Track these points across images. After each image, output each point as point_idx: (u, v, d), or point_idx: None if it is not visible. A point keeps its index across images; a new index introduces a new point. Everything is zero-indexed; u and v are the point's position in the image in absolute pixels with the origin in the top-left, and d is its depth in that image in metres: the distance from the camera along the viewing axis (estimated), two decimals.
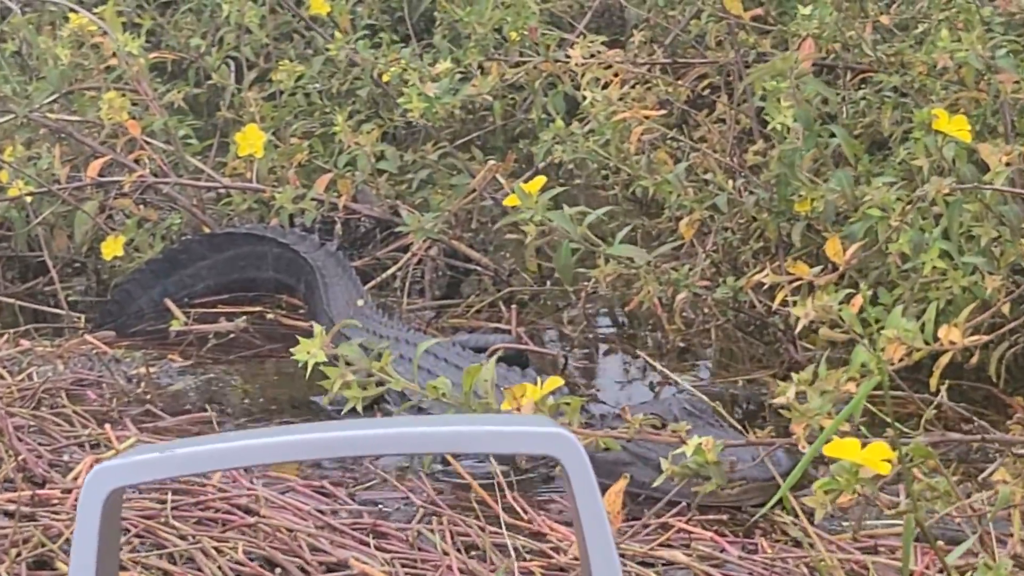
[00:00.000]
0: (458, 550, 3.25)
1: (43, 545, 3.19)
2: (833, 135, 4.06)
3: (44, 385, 4.07)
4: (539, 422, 1.70)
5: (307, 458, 1.62)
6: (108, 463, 1.61)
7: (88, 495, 1.59)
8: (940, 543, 3.17)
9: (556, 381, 3.26)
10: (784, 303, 3.57)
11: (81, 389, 4.17)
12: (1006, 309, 3.54)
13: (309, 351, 3.05)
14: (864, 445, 2.66)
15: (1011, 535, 3.15)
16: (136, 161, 4.98)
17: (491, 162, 4.86)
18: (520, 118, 5.29)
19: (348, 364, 3.07)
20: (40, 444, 3.69)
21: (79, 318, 4.74)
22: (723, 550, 3.27)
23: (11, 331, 4.57)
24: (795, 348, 4.09)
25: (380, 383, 3.17)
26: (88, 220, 4.88)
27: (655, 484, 3.33)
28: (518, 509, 3.44)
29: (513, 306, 4.65)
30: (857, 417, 2.83)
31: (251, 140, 4.73)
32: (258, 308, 4.84)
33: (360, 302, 4.55)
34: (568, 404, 3.30)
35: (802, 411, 2.92)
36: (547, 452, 1.64)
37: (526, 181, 4.23)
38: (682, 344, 4.44)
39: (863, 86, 4.59)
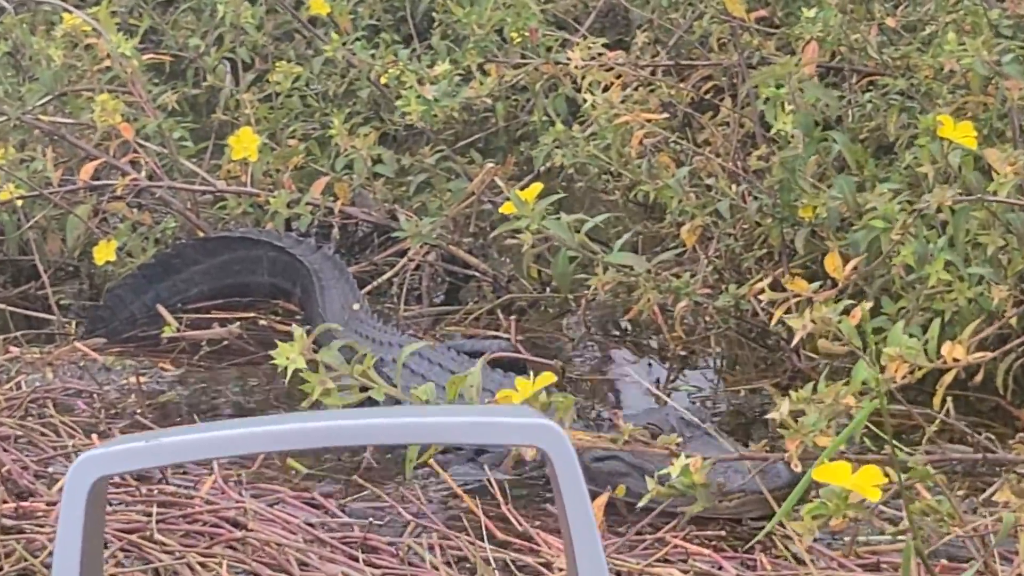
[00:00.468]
0: (448, 563, 3.19)
1: (25, 560, 3.13)
2: (836, 140, 3.98)
3: (32, 395, 4.01)
4: (524, 413, 1.68)
5: (290, 448, 1.61)
6: (93, 451, 1.60)
7: (73, 484, 1.58)
8: (944, 561, 3.12)
9: (549, 377, 3.15)
10: (785, 314, 3.48)
11: (70, 399, 4.10)
12: (1014, 321, 3.46)
13: (289, 356, 2.97)
14: (863, 462, 2.59)
15: (1016, 553, 3.08)
16: (132, 164, 4.91)
17: (489, 165, 4.78)
18: (523, 119, 5.22)
19: (329, 369, 2.99)
20: (26, 455, 3.63)
21: (70, 323, 4.67)
22: (720, 567, 3.20)
23: (1, 337, 4.51)
24: (798, 357, 4.02)
25: (363, 389, 3.09)
26: (81, 224, 4.81)
27: (640, 504, 3.26)
28: (513, 520, 3.38)
29: (512, 318, 4.57)
30: (857, 438, 2.77)
31: (245, 143, 4.66)
32: (252, 314, 4.77)
33: (356, 306, 4.47)
34: (561, 402, 3.20)
35: (796, 428, 2.84)
36: (532, 443, 1.61)
37: (527, 185, 4.17)
38: (683, 352, 4.37)
39: (870, 88, 4.50)
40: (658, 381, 4.33)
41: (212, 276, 4.82)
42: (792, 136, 3.87)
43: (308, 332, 4.36)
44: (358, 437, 1.65)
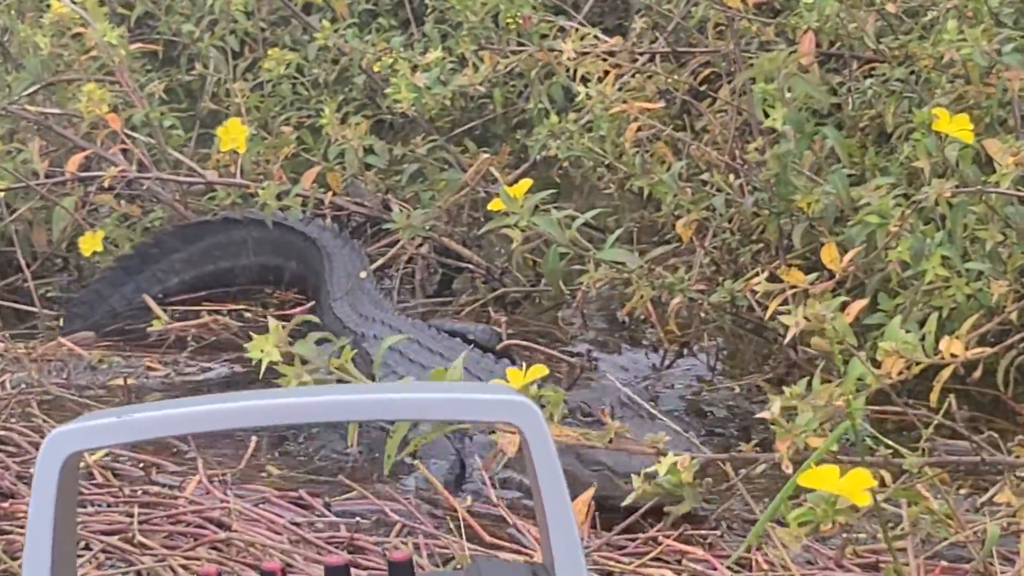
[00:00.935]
0: (436, 564, 3.14)
1: (4, 562, 3.08)
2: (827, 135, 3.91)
3: (16, 397, 3.94)
4: (498, 390, 1.66)
5: (264, 423, 1.62)
6: (64, 427, 1.57)
7: (45, 460, 1.55)
8: (944, 563, 3.06)
9: (540, 369, 3.08)
10: (780, 309, 3.40)
11: (53, 398, 4.04)
12: (1014, 316, 3.38)
13: (263, 349, 2.90)
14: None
15: (1017, 553, 3.02)
16: (123, 154, 4.83)
17: (484, 156, 4.71)
18: (521, 106, 5.14)
19: (304, 363, 2.93)
20: (9, 455, 3.58)
21: (57, 318, 4.60)
22: (715, 568, 3.14)
23: None
24: (795, 351, 3.94)
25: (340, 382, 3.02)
26: (67, 216, 4.74)
27: (624, 503, 3.17)
28: (506, 518, 3.32)
29: (504, 318, 4.50)
30: (855, 437, 2.70)
31: (233, 134, 4.57)
32: (241, 305, 4.70)
33: (363, 275, 4.42)
34: (551, 396, 3.12)
35: (787, 428, 2.77)
36: (505, 419, 1.60)
37: (523, 174, 4.08)
38: (677, 348, 4.31)
39: (872, 74, 4.41)
40: (654, 366, 4.28)
41: (193, 264, 4.74)
42: (784, 132, 3.79)
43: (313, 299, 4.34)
44: (332, 413, 1.62)
